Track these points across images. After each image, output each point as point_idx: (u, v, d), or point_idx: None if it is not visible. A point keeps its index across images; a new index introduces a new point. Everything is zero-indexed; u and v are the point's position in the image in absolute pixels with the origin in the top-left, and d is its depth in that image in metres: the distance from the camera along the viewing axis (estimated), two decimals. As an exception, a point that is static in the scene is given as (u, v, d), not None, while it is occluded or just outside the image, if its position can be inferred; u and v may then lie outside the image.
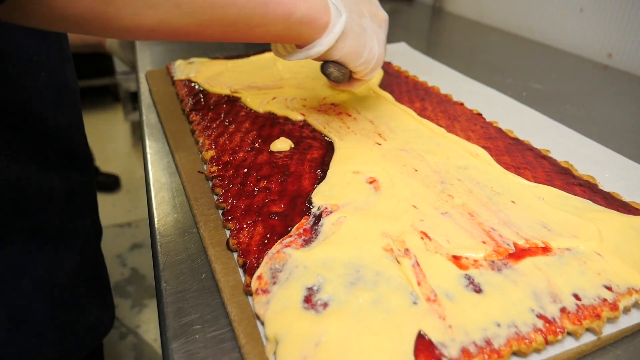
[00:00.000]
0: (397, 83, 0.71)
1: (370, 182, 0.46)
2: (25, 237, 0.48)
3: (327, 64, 0.50)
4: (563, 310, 0.32)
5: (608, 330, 0.32)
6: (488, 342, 0.30)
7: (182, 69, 0.74)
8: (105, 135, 2.49)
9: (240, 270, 0.37)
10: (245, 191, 0.45)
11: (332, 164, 0.49)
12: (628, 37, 0.83)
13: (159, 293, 0.37)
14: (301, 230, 0.39)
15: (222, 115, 0.60)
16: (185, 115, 0.62)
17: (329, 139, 0.54)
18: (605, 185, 0.47)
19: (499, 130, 0.56)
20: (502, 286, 0.34)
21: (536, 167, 0.49)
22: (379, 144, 0.53)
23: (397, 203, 0.43)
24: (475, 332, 0.30)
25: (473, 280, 0.34)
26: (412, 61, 0.82)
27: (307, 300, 0.32)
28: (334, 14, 0.44)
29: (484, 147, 0.52)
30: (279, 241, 0.38)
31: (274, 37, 0.43)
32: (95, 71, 2.52)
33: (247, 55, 0.82)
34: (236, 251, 0.38)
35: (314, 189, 0.45)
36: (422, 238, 0.38)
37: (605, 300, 0.33)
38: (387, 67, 0.77)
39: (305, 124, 0.58)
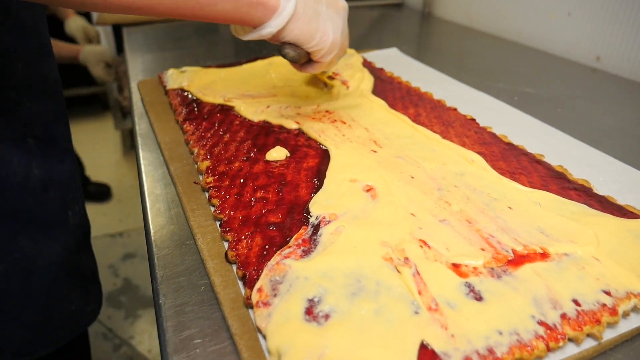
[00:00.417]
0: (390, 89, 0.71)
1: (367, 190, 0.46)
2: (1, 221, 0.49)
3: (283, 44, 0.52)
4: (563, 316, 0.32)
5: (608, 335, 0.32)
6: (491, 351, 0.30)
7: (175, 78, 0.74)
8: (95, 144, 2.47)
9: (240, 283, 0.36)
10: (242, 202, 0.44)
11: (328, 173, 0.49)
12: (616, 40, 0.84)
13: (158, 307, 0.36)
14: (300, 241, 0.39)
15: (217, 125, 0.59)
16: (179, 125, 0.62)
17: (325, 147, 0.54)
18: (599, 189, 0.47)
19: (493, 135, 0.57)
20: (502, 293, 0.34)
21: (531, 172, 0.49)
22: (375, 152, 0.53)
23: (395, 211, 0.43)
24: (478, 341, 0.30)
25: (473, 288, 0.34)
26: (404, 67, 0.83)
27: (309, 312, 0.32)
28: None
29: (479, 152, 0.52)
30: (278, 252, 0.38)
31: (226, 17, 0.46)
32: (84, 80, 2.50)
33: (240, 63, 0.81)
34: (235, 263, 0.38)
35: (311, 198, 0.45)
36: (421, 246, 0.38)
37: (604, 305, 0.33)
38: (379, 73, 0.78)
39: (300, 132, 0.58)
